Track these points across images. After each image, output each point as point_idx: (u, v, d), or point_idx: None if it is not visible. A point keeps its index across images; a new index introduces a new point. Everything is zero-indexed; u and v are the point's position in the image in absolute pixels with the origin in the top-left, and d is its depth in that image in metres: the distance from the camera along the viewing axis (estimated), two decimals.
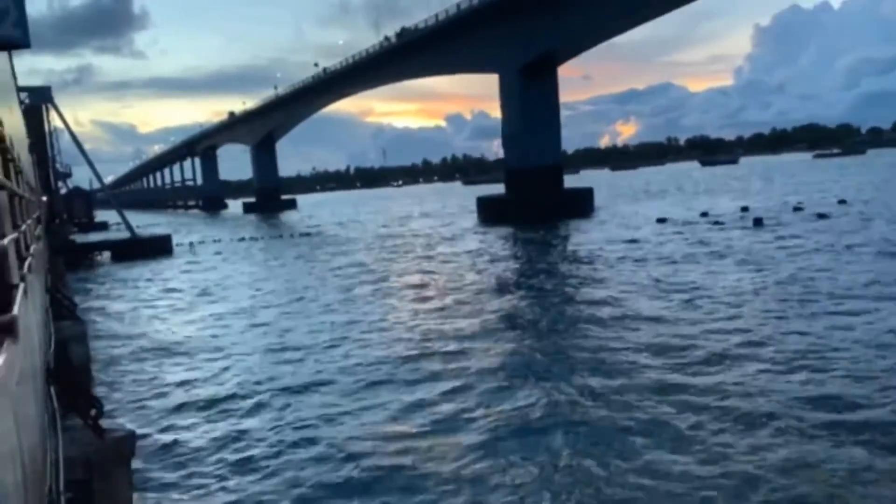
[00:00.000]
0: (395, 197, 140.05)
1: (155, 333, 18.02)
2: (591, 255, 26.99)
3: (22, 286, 3.10)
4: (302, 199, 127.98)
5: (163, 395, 12.43)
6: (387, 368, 12.98)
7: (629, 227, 36.59)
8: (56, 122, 45.54)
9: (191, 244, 44.94)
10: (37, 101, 41.69)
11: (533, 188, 45.98)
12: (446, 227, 47.00)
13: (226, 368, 13.92)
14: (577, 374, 11.64)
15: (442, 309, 18.70)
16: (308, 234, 48.72)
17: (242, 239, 48.50)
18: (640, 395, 10.29)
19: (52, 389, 7.16)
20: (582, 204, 46.88)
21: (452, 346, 14.29)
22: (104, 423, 7.25)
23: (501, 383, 11.50)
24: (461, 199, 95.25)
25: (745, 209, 39.00)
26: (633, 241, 30.15)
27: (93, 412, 7.87)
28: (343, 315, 18.82)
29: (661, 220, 37.57)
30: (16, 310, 2.46)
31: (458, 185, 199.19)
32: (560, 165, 48.87)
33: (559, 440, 8.83)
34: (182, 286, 27.06)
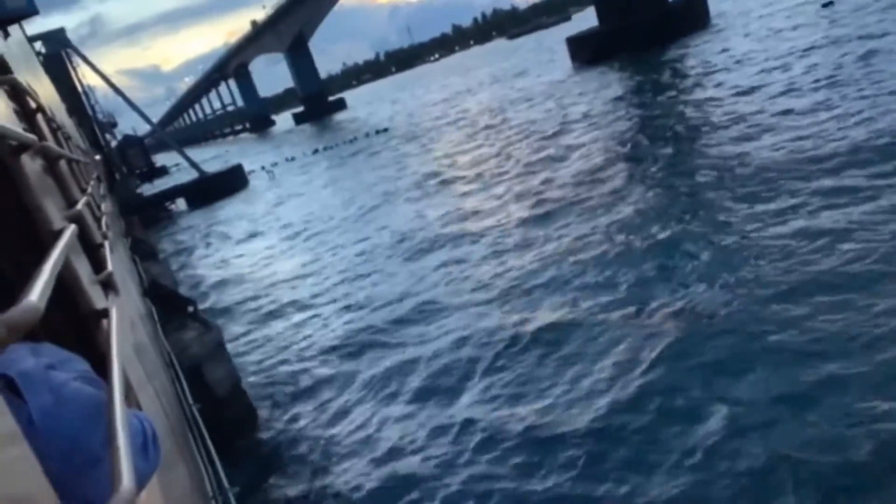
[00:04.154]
0: (441, 72, 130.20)
1: (313, 322, 12.33)
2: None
3: (107, 244, 3.08)
4: (347, 97, 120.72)
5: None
6: None
7: (787, 24, 28.97)
8: (84, 71, 40.28)
9: (264, 169, 40.00)
10: (55, 49, 36.25)
11: (632, 9, 38.08)
12: (535, 86, 40.04)
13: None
14: None
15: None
16: (385, 130, 42.87)
17: (316, 151, 43.11)
18: None
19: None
20: (696, 14, 38.80)
21: None
22: None
23: None
24: (520, 53, 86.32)
25: None
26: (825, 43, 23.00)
27: None
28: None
29: (827, 4, 29.60)
30: (110, 266, 2.53)
31: (500, 43, 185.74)
32: None
33: None
34: (295, 226, 22.02)
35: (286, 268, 16.12)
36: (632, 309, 8.23)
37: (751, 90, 18.73)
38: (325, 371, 9.59)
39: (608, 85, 29.84)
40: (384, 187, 22.75)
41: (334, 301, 12.49)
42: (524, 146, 22.14)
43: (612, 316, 8.20)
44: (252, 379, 9.80)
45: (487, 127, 29.84)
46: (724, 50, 27.66)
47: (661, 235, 10.46)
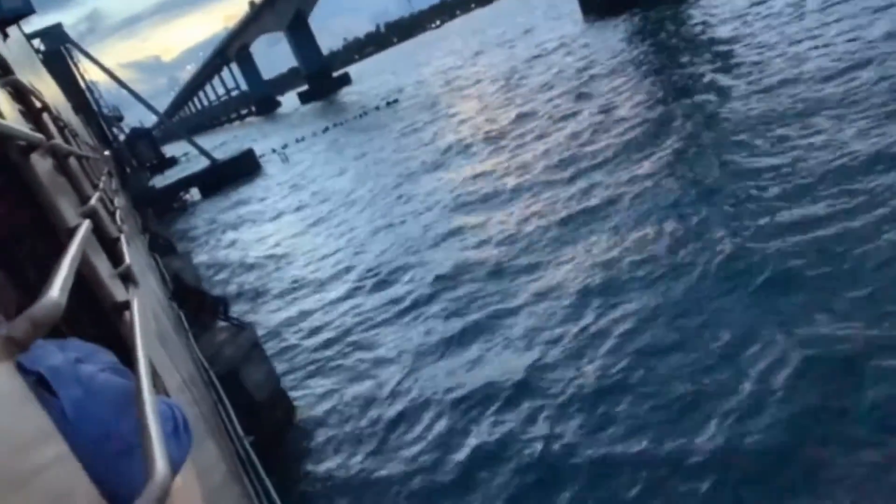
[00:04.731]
0: (445, 38, 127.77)
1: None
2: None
3: (123, 237, 3.06)
4: (351, 72, 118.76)
5: None
6: None
7: None
8: (86, 66, 39.45)
9: (275, 152, 39.10)
10: (54, 45, 35.38)
11: None
12: (546, 43, 38.50)
13: None
14: None
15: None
16: (395, 101, 41.71)
17: (326, 129, 42.11)
18: None
19: None
20: None
21: None
22: None
23: None
24: (525, 11, 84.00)
25: None
26: None
27: None
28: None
29: None
30: (127, 259, 2.55)
31: (502, 3, 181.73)
32: None
33: None
34: (315, 207, 21.20)
35: (310, 252, 15.37)
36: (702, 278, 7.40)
37: (777, 42, 17.26)
38: (368, 362, 8.86)
39: (622, 38, 28.51)
40: (402, 159, 21.88)
41: (367, 285, 11.73)
42: (544, 106, 21.09)
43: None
44: (291, 376, 9.09)
45: (502, 89, 28.71)
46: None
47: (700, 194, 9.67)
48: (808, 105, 11.34)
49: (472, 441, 6.16)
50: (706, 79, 16.01)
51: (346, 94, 76.70)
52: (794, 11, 19.07)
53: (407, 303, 10.19)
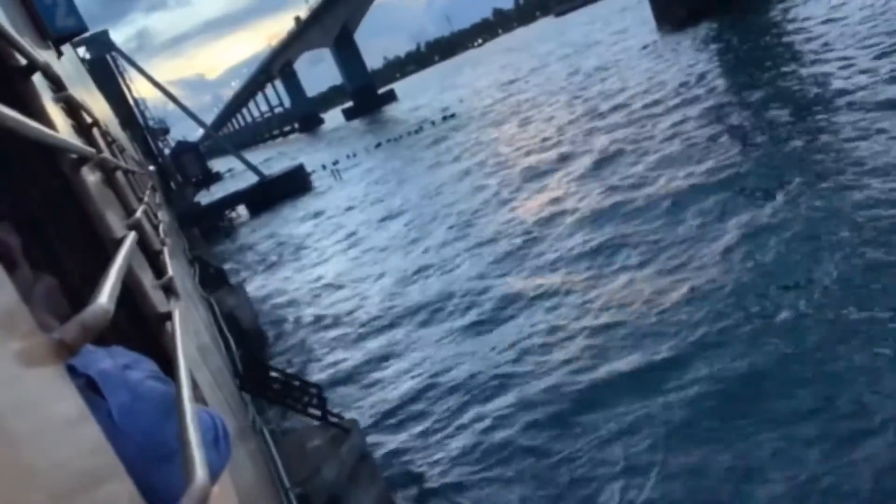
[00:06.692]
0: (491, 55, 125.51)
1: None
2: None
3: (166, 250, 3.08)
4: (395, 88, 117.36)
5: None
6: None
7: None
8: (132, 77, 38.08)
9: (325, 168, 36.99)
10: (99, 53, 33.95)
11: None
12: (614, 56, 35.82)
13: None
14: None
15: None
16: (453, 116, 39.36)
17: (379, 145, 39.89)
18: None
19: None
20: None
21: None
22: None
23: None
24: (575, 28, 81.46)
25: None
26: None
27: None
28: None
29: None
30: (170, 271, 2.56)
31: (547, 21, 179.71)
32: None
33: None
34: (380, 233, 18.72)
35: (383, 292, 12.80)
36: None
37: (875, 55, 14.57)
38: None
39: (704, 51, 25.68)
40: (471, 182, 19.44)
41: (459, 337, 9.16)
42: (623, 123, 18.47)
43: None
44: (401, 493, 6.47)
45: (570, 104, 26.11)
46: (843, 3, 22.78)
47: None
48: None
49: None
50: (790, 106, 13.56)
51: (393, 112, 74.84)
52: None
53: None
